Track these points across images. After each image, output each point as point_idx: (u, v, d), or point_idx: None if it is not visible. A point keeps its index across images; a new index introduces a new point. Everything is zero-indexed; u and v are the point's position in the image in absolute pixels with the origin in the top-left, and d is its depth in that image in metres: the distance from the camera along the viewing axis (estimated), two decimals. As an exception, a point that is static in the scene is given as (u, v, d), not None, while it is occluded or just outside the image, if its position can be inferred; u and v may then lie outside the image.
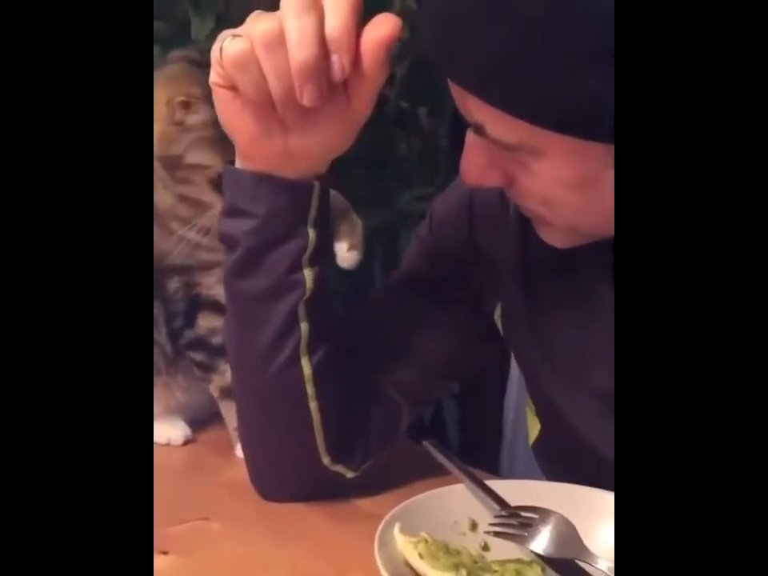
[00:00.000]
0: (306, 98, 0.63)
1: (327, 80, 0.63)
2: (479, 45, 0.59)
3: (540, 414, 0.86)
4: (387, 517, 0.65)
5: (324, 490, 0.78)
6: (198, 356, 0.89)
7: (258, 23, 0.63)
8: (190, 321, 0.88)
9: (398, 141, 1.51)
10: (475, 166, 0.68)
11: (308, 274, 0.72)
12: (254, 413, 0.77)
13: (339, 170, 0.76)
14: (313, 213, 0.71)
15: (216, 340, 0.87)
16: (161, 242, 0.84)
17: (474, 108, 0.63)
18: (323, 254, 0.73)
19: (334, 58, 0.63)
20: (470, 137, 0.68)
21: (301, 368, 0.74)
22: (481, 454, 1.37)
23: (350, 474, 0.78)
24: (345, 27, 0.62)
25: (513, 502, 0.68)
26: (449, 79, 0.64)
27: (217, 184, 0.80)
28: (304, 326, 0.73)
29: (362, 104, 0.66)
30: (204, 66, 0.71)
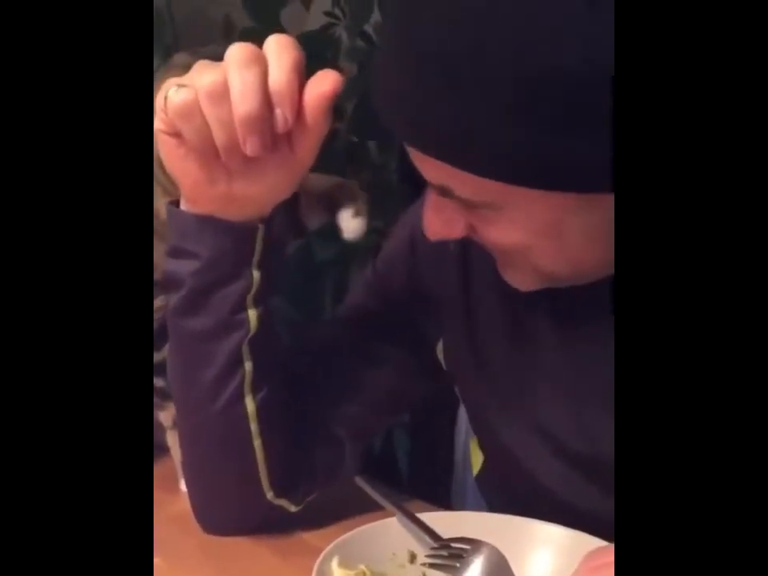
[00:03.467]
0: (250, 149, 0.64)
1: (270, 131, 0.64)
2: (442, 112, 0.61)
3: (483, 446, 0.88)
4: (326, 550, 0.65)
5: (268, 524, 0.79)
6: (159, 382, 0.86)
7: (202, 74, 0.64)
8: (157, 343, 0.83)
9: (348, 175, 1.53)
10: (438, 221, 0.69)
11: (252, 314, 0.73)
12: (197, 448, 0.78)
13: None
14: (257, 255, 0.72)
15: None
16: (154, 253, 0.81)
17: (438, 172, 0.64)
18: (268, 294, 0.74)
19: (277, 110, 0.64)
20: (431, 195, 0.69)
21: (245, 406, 0.74)
22: (432, 485, 1.38)
23: (293, 508, 0.79)
24: (287, 81, 0.64)
25: (448, 534, 0.69)
26: (411, 146, 0.65)
27: None
28: (248, 365, 0.74)
29: (305, 153, 0.68)
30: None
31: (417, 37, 0.61)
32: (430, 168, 0.65)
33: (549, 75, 0.58)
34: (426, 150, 0.63)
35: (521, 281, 0.72)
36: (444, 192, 0.66)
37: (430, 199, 0.69)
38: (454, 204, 0.66)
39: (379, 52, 0.67)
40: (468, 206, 0.66)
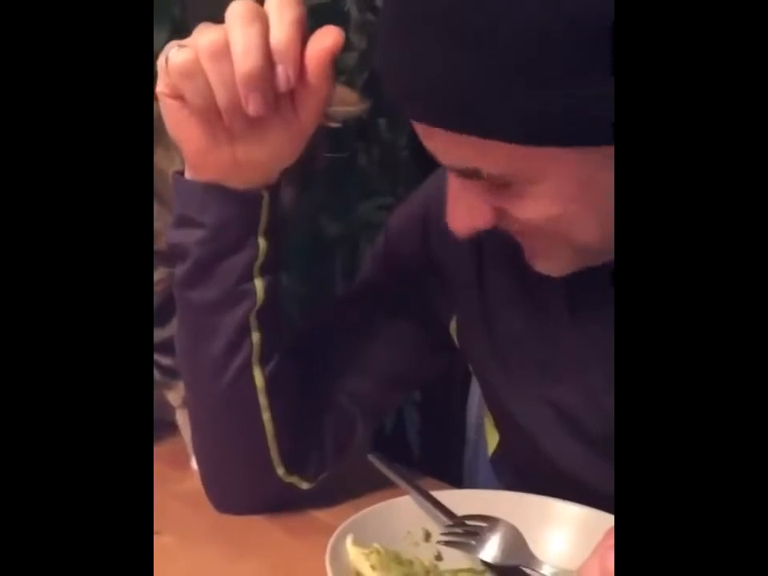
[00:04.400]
0: (252, 107, 0.64)
1: (273, 90, 0.64)
2: (461, 79, 0.59)
3: (498, 425, 0.87)
4: (339, 529, 0.65)
5: (279, 502, 0.78)
6: (165, 360, 0.85)
7: (203, 34, 0.63)
8: (162, 319, 0.82)
9: (358, 151, 1.52)
10: (465, 213, 0.66)
11: (259, 284, 0.72)
12: (207, 424, 0.77)
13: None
14: (263, 223, 0.71)
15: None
16: (156, 220, 0.77)
17: (462, 152, 0.62)
18: (275, 264, 0.73)
19: (279, 68, 0.63)
20: (454, 185, 0.66)
21: (253, 378, 0.74)
22: (443, 464, 1.38)
23: (305, 486, 0.78)
24: (289, 38, 0.63)
25: (462, 512, 0.69)
26: (431, 125, 0.62)
27: None
28: (256, 337, 0.73)
29: (308, 114, 0.67)
30: None
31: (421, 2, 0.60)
32: (452, 150, 0.63)
33: (568, 25, 0.56)
34: (448, 124, 0.61)
35: (555, 265, 0.70)
36: (471, 174, 0.63)
37: (453, 191, 0.67)
38: (479, 188, 0.64)
39: (382, 30, 0.65)
40: (498, 185, 0.63)
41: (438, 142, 0.64)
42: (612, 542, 0.59)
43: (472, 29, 0.58)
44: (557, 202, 0.63)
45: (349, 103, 0.72)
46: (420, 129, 0.64)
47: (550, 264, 0.70)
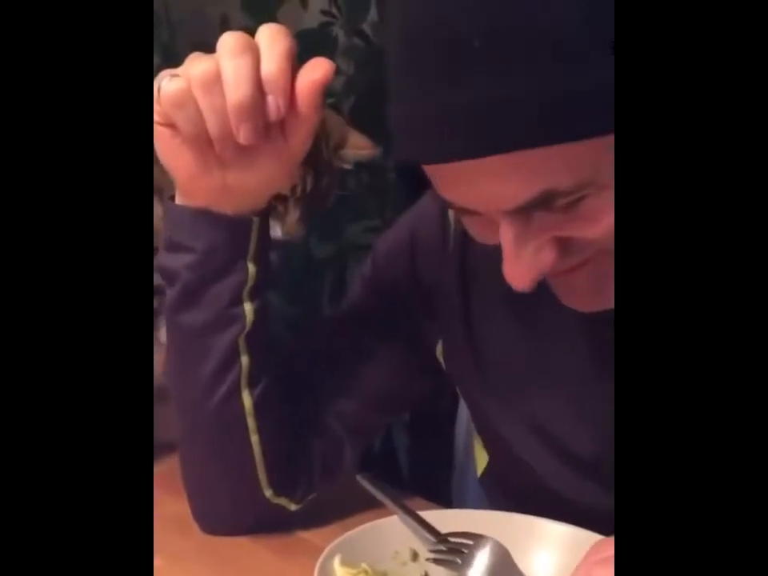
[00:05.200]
0: (243, 136, 0.64)
1: (263, 119, 0.65)
2: (511, 97, 0.56)
3: (488, 447, 0.87)
4: (327, 549, 0.65)
5: (267, 524, 0.78)
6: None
7: (195, 64, 0.64)
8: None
9: (347, 174, 1.52)
10: (530, 258, 0.60)
11: (248, 308, 0.73)
12: (195, 446, 0.77)
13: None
14: (252, 248, 0.72)
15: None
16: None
17: (532, 177, 0.57)
18: (264, 289, 0.74)
19: (270, 98, 0.64)
20: (510, 233, 0.60)
21: (242, 401, 0.74)
22: (432, 484, 1.38)
23: (293, 507, 0.78)
24: (279, 69, 0.64)
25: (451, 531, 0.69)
26: (490, 154, 0.56)
27: None
28: (245, 360, 0.74)
29: (298, 142, 0.68)
30: None
31: (440, 32, 0.56)
32: (515, 182, 0.58)
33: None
34: (514, 146, 0.56)
35: (604, 297, 0.63)
36: (541, 202, 0.58)
37: (512, 240, 0.60)
38: (543, 222, 0.59)
39: (395, 84, 0.61)
40: (565, 208, 0.59)
41: (494, 184, 0.58)
42: (598, 557, 0.59)
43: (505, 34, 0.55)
44: None
45: (361, 147, 0.76)
46: (463, 181, 0.59)
47: (599, 296, 0.64)
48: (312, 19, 1.59)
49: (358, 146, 0.76)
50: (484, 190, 0.59)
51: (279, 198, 0.78)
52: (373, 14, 1.53)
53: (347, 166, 0.78)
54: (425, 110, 0.58)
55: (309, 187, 0.78)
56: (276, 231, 0.79)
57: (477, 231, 0.65)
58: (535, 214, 0.59)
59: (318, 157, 0.77)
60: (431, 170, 0.62)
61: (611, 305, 0.64)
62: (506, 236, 0.60)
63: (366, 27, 1.57)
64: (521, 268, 0.61)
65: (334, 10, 1.58)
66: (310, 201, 0.78)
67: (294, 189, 0.78)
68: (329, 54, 1.57)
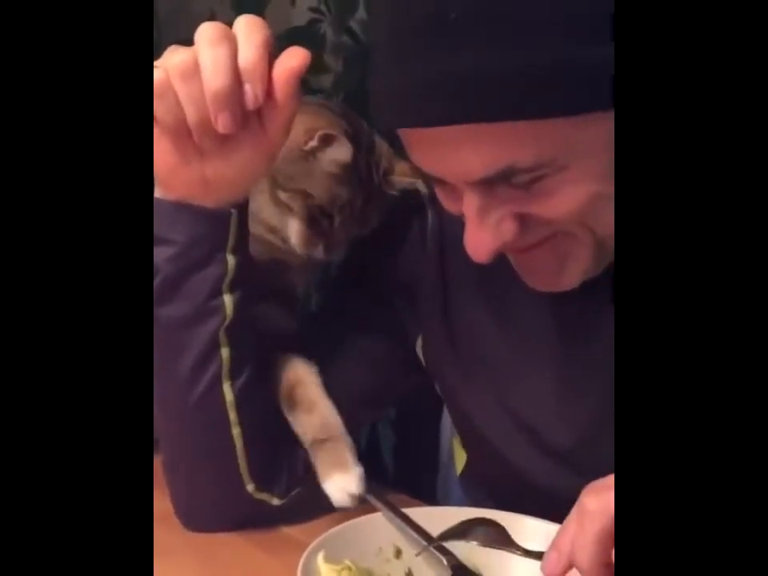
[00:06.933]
0: (221, 125, 0.65)
1: (241, 108, 0.65)
2: (488, 70, 0.59)
3: (466, 444, 0.88)
4: (311, 546, 0.65)
5: (250, 519, 0.78)
6: None
7: (173, 54, 0.65)
8: None
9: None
10: (490, 231, 0.64)
11: (228, 300, 0.73)
12: (175, 440, 0.77)
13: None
14: (231, 240, 0.72)
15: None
16: None
17: (495, 151, 0.61)
18: (243, 281, 0.74)
19: (247, 87, 0.65)
20: (473, 205, 0.64)
21: (222, 394, 0.74)
22: (417, 481, 1.38)
23: (275, 502, 0.79)
24: (256, 58, 0.64)
25: (435, 529, 0.69)
26: (457, 123, 0.60)
27: (308, 217, 0.79)
28: (225, 352, 0.74)
29: (276, 132, 0.68)
30: (336, 113, 0.79)
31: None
32: (478, 154, 0.61)
33: None
34: (481, 116, 0.60)
35: (566, 278, 0.69)
36: (501, 177, 0.62)
37: (473, 212, 0.64)
38: (504, 197, 0.63)
39: (377, 54, 0.64)
40: (526, 185, 0.62)
41: (461, 153, 0.62)
42: (594, 487, 0.57)
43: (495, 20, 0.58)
44: (586, 185, 0.62)
45: (408, 175, 0.79)
46: (432, 149, 0.63)
47: (561, 277, 0.69)
48: (301, 17, 1.58)
49: (405, 174, 0.80)
50: (453, 159, 0.63)
51: (326, 217, 0.79)
52: (361, 12, 1.53)
53: (394, 192, 0.81)
54: (403, 80, 0.62)
55: (357, 210, 0.80)
56: (319, 251, 0.80)
57: (445, 201, 0.69)
58: (498, 188, 0.63)
59: (370, 181, 0.80)
60: (407, 139, 0.65)
61: (573, 285, 0.69)
62: (469, 206, 0.65)
63: (355, 24, 1.57)
64: (482, 237, 0.65)
65: (323, 8, 1.58)
66: (355, 223, 0.80)
67: (342, 209, 0.79)
68: (317, 51, 1.58)
